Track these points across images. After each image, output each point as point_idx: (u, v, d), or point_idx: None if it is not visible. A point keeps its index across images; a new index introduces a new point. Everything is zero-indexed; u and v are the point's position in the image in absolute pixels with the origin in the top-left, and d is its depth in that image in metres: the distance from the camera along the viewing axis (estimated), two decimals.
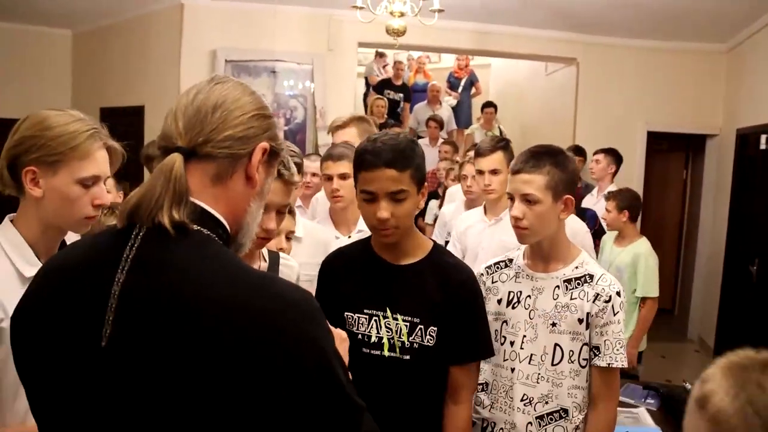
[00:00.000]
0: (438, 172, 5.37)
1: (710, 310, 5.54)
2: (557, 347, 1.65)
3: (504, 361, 1.72)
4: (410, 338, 1.48)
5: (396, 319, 1.48)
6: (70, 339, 0.81)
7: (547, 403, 1.65)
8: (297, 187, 1.63)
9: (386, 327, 1.49)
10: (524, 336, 1.69)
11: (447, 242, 2.93)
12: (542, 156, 1.65)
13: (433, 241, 1.61)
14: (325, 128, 3.72)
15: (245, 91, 0.92)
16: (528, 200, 1.63)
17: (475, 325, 1.54)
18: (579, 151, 4.87)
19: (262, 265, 1.63)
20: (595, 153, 4.70)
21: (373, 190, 1.42)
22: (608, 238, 3.77)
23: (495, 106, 6.94)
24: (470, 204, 3.17)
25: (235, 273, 0.81)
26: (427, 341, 1.48)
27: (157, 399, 0.76)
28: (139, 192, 0.84)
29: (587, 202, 4.56)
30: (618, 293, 1.64)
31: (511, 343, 1.70)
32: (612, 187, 4.31)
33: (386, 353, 1.48)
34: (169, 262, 0.80)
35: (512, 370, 1.69)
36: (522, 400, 1.67)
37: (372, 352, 1.49)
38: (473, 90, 7.78)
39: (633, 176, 5.57)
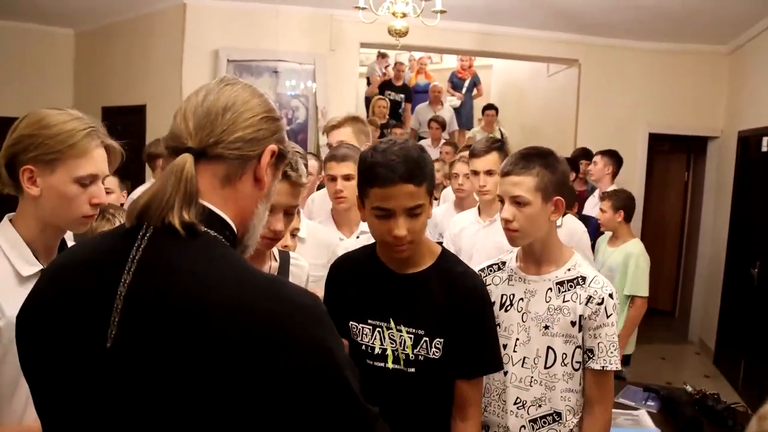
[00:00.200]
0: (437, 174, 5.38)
1: (711, 312, 5.54)
2: (550, 350, 1.64)
3: None
4: (415, 350, 1.42)
5: (400, 331, 1.43)
6: (75, 339, 0.81)
7: (540, 406, 1.65)
8: (305, 188, 1.61)
9: (390, 338, 1.44)
10: (517, 339, 1.68)
11: (440, 243, 2.93)
12: (531, 158, 1.64)
13: (442, 246, 1.55)
14: None
15: (254, 93, 0.92)
16: (517, 202, 1.62)
17: (484, 337, 1.47)
18: (587, 154, 4.87)
19: (273, 265, 1.63)
20: (595, 155, 4.71)
21: (390, 207, 1.34)
22: (603, 238, 3.78)
23: (496, 109, 6.94)
24: (459, 203, 3.17)
25: (243, 275, 0.81)
26: (433, 353, 1.42)
27: (162, 401, 0.75)
28: (150, 192, 0.83)
29: (589, 203, 4.57)
30: (611, 295, 1.63)
31: (504, 346, 1.68)
32: (612, 188, 4.32)
33: (390, 365, 1.43)
34: (176, 264, 0.80)
35: (505, 373, 1.67)
36: (515, 404, 1.66)
37: (376, 363, 1.45)
38: (475, 91, 7.78)
39: (634, 178, 5.57)
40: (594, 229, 3.84)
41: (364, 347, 1.46)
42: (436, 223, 3.21)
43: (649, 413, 2.38)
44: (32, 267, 1.26)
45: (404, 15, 4.00)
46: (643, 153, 5.75)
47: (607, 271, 3.53)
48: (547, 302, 1.66)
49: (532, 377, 1.66)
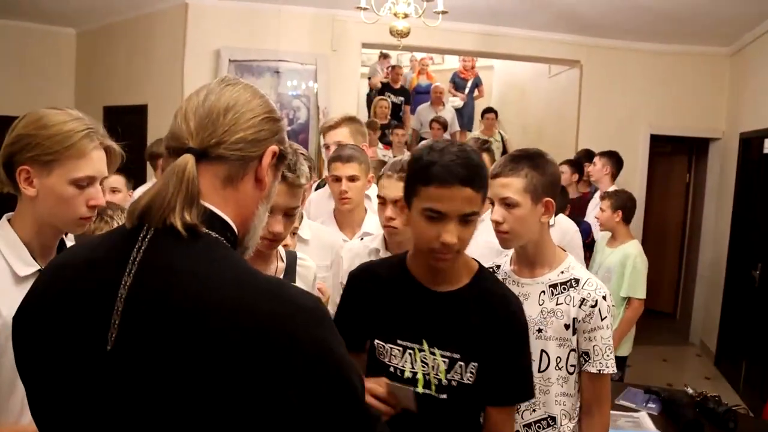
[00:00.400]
0: None
1: (712, 314, 5.53)
2: (543, 354, 1.62)
3: None
4: (448, 375, 1.32)
5: (434, 354, 1.33)
6: (74, 342, 0.80)
7: (534, 410, 1.62)
8: (306, 189, 1.58)
9: (422, 362, 1.33)
10: None
11: None
12: (520, 159, 1.64)
13: (478, 262, 1.45)
14: None
15: (255, 93, 0.92)
16: (507, 204, 1.62)
17: (520, 363, 1.39)
18: (590, 156, 4.87)
19: (280, 265, 1.62)
20: (595, 156, 4.71)
21: (444, 210, 1.25)
22: (602, 239, 3.78)
23: (495, 112, 6.94)
24: None
25: (244, 277, 0.80)
26: (467, 379, 1.33)
27: (163, 403, 0.75)
28: (151, 192, 0.83)
29: (591, 205, 4.57)
30: (604, 297, 1.62)
31: None
32: (612, 189, 4.32)
33: (420, 390, 1.33)
34: (177, 266, 0.79)
35: None
36: None
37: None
38: (476, 92, 7.78)
39: (635, 179, 5.56)
40: (584, 233, 3.84)
41: (392, 369, 1.35)
42: None
43: (650, 415, 2.38)
44: (29, 267, 1.25)
45: (406, 15, 4.00)
46: (644, 154, 5.75)
47: (605, 272, 3.52)
48: (540, 305, 1.64)
49: None
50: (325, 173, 2.75)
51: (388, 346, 1.37)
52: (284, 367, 0.74)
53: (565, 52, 5.70)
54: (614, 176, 4.56)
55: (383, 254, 1.95)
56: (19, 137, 1.25)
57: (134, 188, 3.16)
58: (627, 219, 3.58)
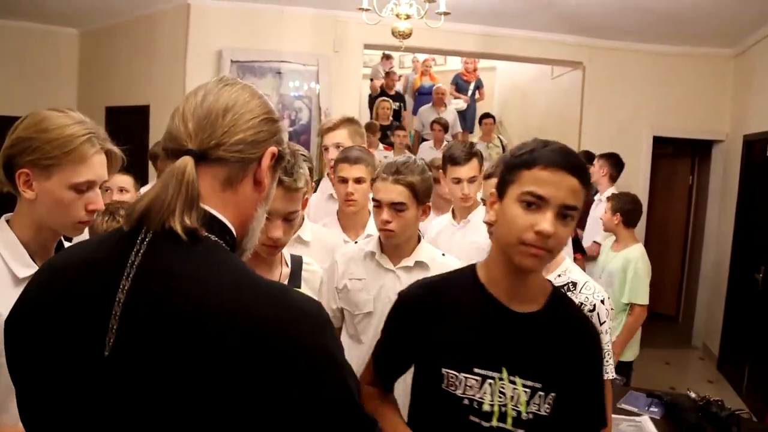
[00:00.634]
0: None
1: (715, 317, 5.51)
2: None
3: None
4: (528, 407, 1.19)
5: (514, 383, 1.19)
6: (70, 346, 0.79)
7: None
8: (304, 192, 1.55)
9: (500, 392, 1.19)
10: None
11: None
12: None
13: (550, 282, 1.34)
14: None
15: (254, 94, 0.90)
16: None
17: (598, 392, 1.29)
18: (589, 157, 4.86)
19: (284, 270, 1.60)
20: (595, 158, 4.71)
21: (546, 195, 1.12)
22: (607, 242, 3.76)
23: (493, 117, 6.93)
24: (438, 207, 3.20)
25: (244, 281, 0.79)
26: (544, 410, 1.20)
27: (162, 410, 0.74)
28: (150, 195, 0.82)
29: (592, 207, 4.56)
30: (602, 301, 1.59)
31: None
32: (612, 190, 4.31)
33: (494, 424, 1.18)
34: (176, 270, 0.78)
35: None
36: None
37: (471, 418, 1.19)
38: (477, 95, 7.77)
39: (638, 181, 5.55)
40: (574, 243, 3.83)
41: (466, 402, 1.19)
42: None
43: (652, 419, 2.36)
44: (28, 269, 1.24)
45: (408, 17, 3.99)
46: (647, 156, 5.73)
47: (607, 276, 3.50)
48: None
49: None
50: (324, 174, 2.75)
51: (462, 375, 1.19)
52: (286, 372, 0.73)
53: (567, 53, 5.69)
54: (613, 178, 4.54)
55: (379, 257, 1.93)
56: (19, 140, 1.24)
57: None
58: (628, 222, 3.51)
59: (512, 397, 1.18)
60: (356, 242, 2.12)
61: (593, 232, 4.43)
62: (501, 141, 6.95)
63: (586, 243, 4.45)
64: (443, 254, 2.00)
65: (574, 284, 1.63)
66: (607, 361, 1.58)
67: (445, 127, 6.61)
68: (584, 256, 4.25)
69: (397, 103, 7.19)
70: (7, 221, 1.30)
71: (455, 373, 1.20)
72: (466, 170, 2.60)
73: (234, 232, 0.88)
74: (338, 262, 1.97)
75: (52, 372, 0.80)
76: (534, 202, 1.13)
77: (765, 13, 4.53)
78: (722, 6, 4.41)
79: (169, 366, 0.73)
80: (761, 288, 4.53)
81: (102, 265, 0.82)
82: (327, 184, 2.82)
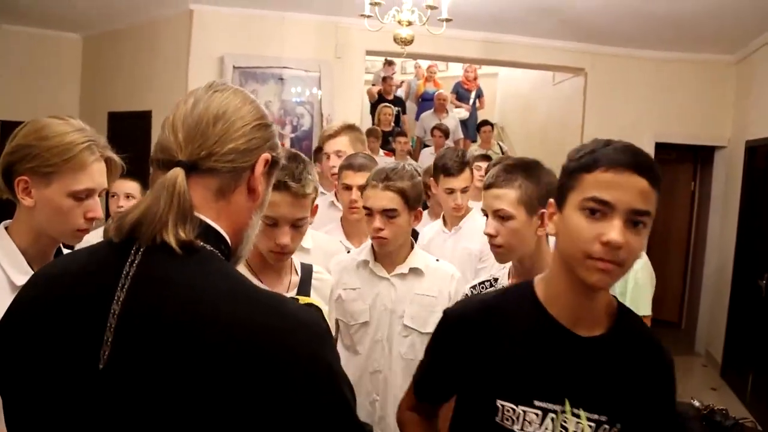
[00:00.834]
0: None
1: (718, 323, 5.49)
2: None
3: None
4: None
5: (577, 416, 1.05)
6: (63, 358, 0.77)
7: None
8: (313, 199, 1.53)
9: (562, 426, 1.06)
10: None
11: None
12: (513, 170, 1.57)
13: (615, 298, 1.18)
14: None
15: (245, 99, 0.88)
16: (500, 216, 1.55)
17: (668, 423, 1.15)
18: None
19: (293, 279, 1.59)
20: None
21: (612, 200, 0.98)
22: None
23: (492, 124, 6.92)
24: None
25: (241, 290, 0.78)
26: None
27: (159, 422, 0.73)
28: (140, 208, 0.80)
29: None
30: None
31: None
32: None
33: None
34: (173, 280, 0.77)
35: None
36: None
37: None
38: (478, 104, 7.77)
39: None
40: None
41: None
42: None
43: None
44: (25, 276, 1.23)
45: (410, 23, 3.99)
46: None
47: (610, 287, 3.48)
48: None
49: None
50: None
51: (521, 408, 1.06)
52: (283, 382, 0.73)
53: (569, 59, 5.69)
54: None
55: (372, 266, 1.90)
56: (18, 147, 1.24)
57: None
58: None
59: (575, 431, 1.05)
60: (348, 251, 2.10)
61: None
62: (501, 147, 6.95)
63: None
64: (437, 260, 1.99)
65: None
66: None
67: (446, 133, 6.62)
68: None
69: (397, 108, 7.20)
70: (6, 228, 1.30)
71: (512, 405, 1.06)
72: (459, 181, 2.59)
73: (229, 241, 0.86)
74: (332, 272, 1.95)
75: (42, 385, 0.78)
76: (599, 209, 0.99)
77: (766, 20, 4.53)
78: (723, 13, 4.42)
79: (166, 376, 0.72)
80: (765, 294, 4.51)
81: (95, 275, 0.80)
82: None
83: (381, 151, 6.10)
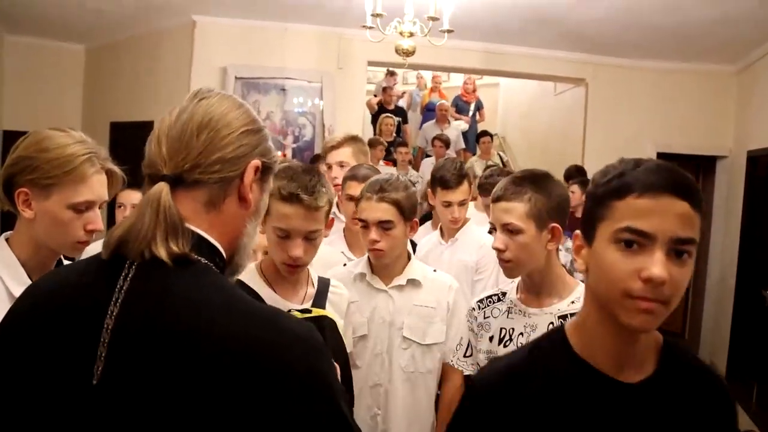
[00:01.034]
0: None
1: (721, 334, 5.46)
2: None
3: None
4: None
5: None
6: (57, 374, 0.76)
7: None
8: (327, 211, 1.51)
9: None
10: None
11: None
12: (523, 182, 1.52)
13: (662, 333, 1.00)
14: None
15: (232, 104, 0.85)
16: (509, 230, 1.50)
17: None
18: (579, 172, 4.83)
19: (309, 291, 1.58)
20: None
21: (649, 230, 0.85)
22: None
23: (491, 135, 6.93)
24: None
25: (238, 305, 0.77)
26: None
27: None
28: (125, 224, 0.78)
29: None
30: None
31: None
32: None
33: None
34: (167, 295, 0.75)
35: None
36: None
37: None
38: (478, 116, 7.78)
39: None
40: None
41: None
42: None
43: None
44: (24, 287, 1.24)
45: (411, 34, 4.01)
46: None
47: None
48: None
49: None
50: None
51: None
52: (279, 397, 0.72)
53: (570, 70, 5.71)
54: None
55: (370, 278, 1.89)
56: (19, 159, 1.24)
57: None
58: None
59: None
60: (345, 265, 2.09)
61: None
62: (501, 158, 6.95)
63: None
64: (434, 270, 1.98)
65: None
66: None
67: (447, 143, 6.62)
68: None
69: (398, 119, 7.22)
70: (7, 240, 1.30)
71: None
72: (457, 194, 2.56)
73: (223, 253, 0.84)
74: None
75: (35, 401, 0.77)
76: (636, 241, 0.86)
77: (767, 30, 4.54)
78: (724, 23, 4.43)
79: (161, 391, 0.71)
80: None
81: (89, 289, 0.79)
82: None
83: (381, 162, 6.11)
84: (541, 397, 0.93)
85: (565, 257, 3.81)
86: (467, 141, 7.44)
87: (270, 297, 1.51)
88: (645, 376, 0.93)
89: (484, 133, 6.91)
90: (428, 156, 6.86)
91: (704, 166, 6.20)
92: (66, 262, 1.36)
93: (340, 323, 1.60)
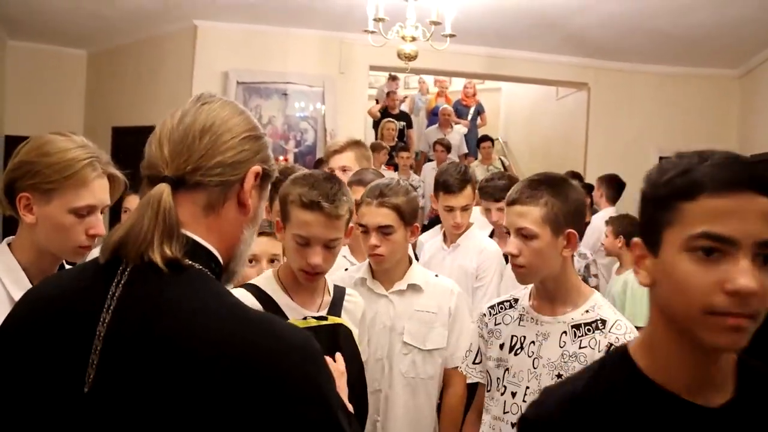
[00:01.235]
0: None
1: None
2: None
3: (504, 413, 1.51)
4: None
5: None
6: (49, 382, 0.75)
7: None
8: (347, 220, 1.50)
9: None
10: (527, 387, 1.48)
11: None
12: (539, 185, 1.47)
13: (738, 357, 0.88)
14: None
15: (234, 110, 0.85)
16: (524, 235, 1.45)
17: None
18: (577, 176, 4.83)
19: (325, 299, 1.58)
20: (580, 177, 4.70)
21: (731, 234, 0.74)
22: (614, 267, 3.73)
23: (492, 140, 6.92)
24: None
25: (233, 311, 0.76)
26: None
27: None
28: (125, 226, 0.78)
29: (588, 230, 4.53)
30: None
31: (513, 394, 1.49)
32: (611, 212, 4.27)
33: None
34: (159, 300, 0.74)
35: (512, 425, 1.47)
36: None
37: None
38: (479, 120, 7.77)
39: None
40: None
41: None
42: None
43: None
44: None
45: (414, 39, 4.01)
46: None
47: (611, 300, 3.47)
48: (561, 347, 1.46)
49: None
50: None
51: None
52: (274, 403, 0.70)
53: (572, 74, 5.71)
54: (611, 199, 4.51)
55: (370, 283, 1.87)
56: (21, 164, 1.24)
57: None
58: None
59: None
60: (346, 269, 2.08)
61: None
62: (503, 163, 6.93)
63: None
64: (436, 275, 1.97)
65: (603, 322, 1.47)
66: None
67: (448, 148, 6.60)
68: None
69: (402, 123, 7.21)
70: (9, 244, 1.29)
71: None
72: (460, 199, 2.51)
73: (219, 259, 0.84)
74: None
75: (28, 409, 0.76)
76: (716, 248, 0.74)
77: None
78: (727, 27, 4.43)
79: (152, 398, 0.70)
80: None
81: (82, 296, 0.78)
82: None
83: (382, 166, 6.11)
84: (611, 426, 0.81)
85: (578, 263, 3.80)
86: (468, 145, 7.43)
87: (287, 304, 1.50)
88: (726, 399, 0.81)
89: (485, 138, 6.90)
90: (430, 160, 6.85)
91: None
92: (68, 268, 1.36)
93: (356, 332, 1.60)
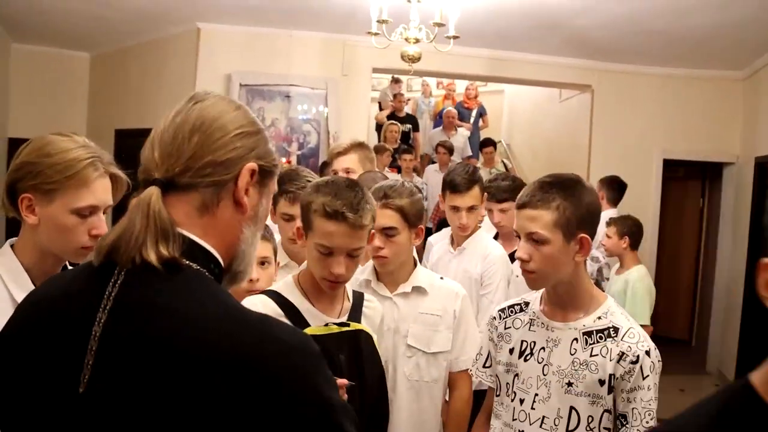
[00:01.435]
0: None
1: (729, 342, 5.41)
2: (573, 411, 1.39)
3: (513, 420, 1.50)
4: None
5: None
6: (45, 383, 0.75)
7: None
8: (370, 229, 1.49)
9: None
10: (536, 395, 1.46)
11: None
12: (551, 188, 1.42)
13: None
14: None
15: (228, 107, 0.83)
16: (534, 240, 1.41)
17: None
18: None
19: (345, 305, 1.58)
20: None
21: None
22: (614, 267, 3.72)
23: (494, 144, 6.90)
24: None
25: (230, 312, 0.75)
26: None
27: None
28: (117, 230, 0.77)
29: None
30: (648, 352, 1.37)
31: (521, 401, 1.48)
32: (612, 213, 4.26)
33: None
34: (156, 301, 0.74)
35: None
36: None
37: None
38: (481, 122, 7.76)
39: (648, 204, 5.50)
40: None
41: None
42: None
43: None
44: None
45: (417, 41, 4.00)
46: (657, 179, 5.69)
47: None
48: (571, 355, 1.43)
49: None
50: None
51: None
52: (269, 406, 0.69)
53: (575, 76, 5.69)
54: (612, 200, 4.50)
55: (375, 285, 1.87)
56: (23, 164, 1.23)
57: None
58: (634, 245, 3.52)
59: None
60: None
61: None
62: (506, 165, 6.92)
63: None
64: (441, 278, 1.95)
65: (616, 330, 1.42)
66: (647, 422, 1.37)
67: (450, 150, 6.59)
68: None
69: (408, 125, 7.20)
70: (12, 246, 1.29)
71: None
72: (466, 199, 2.49)
73: (219, 259, 0.82)
74: None
75: (25, 410, 0.76)
76: None
77: None
78: (731, 29, 4.41)
79: (148, 399, 0.69)
80: None
81: (78, 297, 0.78)
82: None
83: (386, 168, 6.09)
84: None
85: (590, 267, 3.79)
86: (471, 148, 7.42)
87: (308, 310, 1.51)
88: None
89: (487, 142, 6.88)
90: (433, 162, 6.84)
91: (711, 172, 6.17)
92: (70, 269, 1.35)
93: (375, 337, 1.60)
